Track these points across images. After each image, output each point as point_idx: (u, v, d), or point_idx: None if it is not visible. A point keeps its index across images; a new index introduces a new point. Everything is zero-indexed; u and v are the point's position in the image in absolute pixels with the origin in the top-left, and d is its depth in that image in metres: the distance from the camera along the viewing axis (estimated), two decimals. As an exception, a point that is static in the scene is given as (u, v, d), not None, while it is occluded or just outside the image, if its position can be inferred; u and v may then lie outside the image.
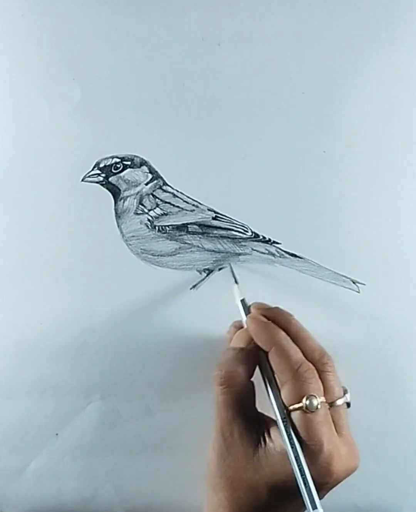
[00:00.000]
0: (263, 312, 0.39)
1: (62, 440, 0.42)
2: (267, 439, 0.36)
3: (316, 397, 0.35)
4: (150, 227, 0.43)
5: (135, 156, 0.43)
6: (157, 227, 0.43)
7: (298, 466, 0.34)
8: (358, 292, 0.43)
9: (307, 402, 0.35)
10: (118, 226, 0.43)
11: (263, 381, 0.37)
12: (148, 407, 0.42)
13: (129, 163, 0.43)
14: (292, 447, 0.35)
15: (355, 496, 0.42)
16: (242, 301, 0.40)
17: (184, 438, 0.41)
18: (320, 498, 0.35)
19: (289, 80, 0.44)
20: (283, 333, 0.37)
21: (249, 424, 0.37)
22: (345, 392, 0.38)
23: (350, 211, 0.44)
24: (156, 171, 0.43)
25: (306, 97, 0.44)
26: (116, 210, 0.43)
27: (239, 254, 0.43)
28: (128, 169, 0.43)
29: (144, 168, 0.43)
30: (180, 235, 0.43)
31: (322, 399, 0.35)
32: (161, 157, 0.43)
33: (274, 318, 0.38)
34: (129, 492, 0.42)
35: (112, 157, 0.43)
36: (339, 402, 0.37)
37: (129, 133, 0.43)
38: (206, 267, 0.43)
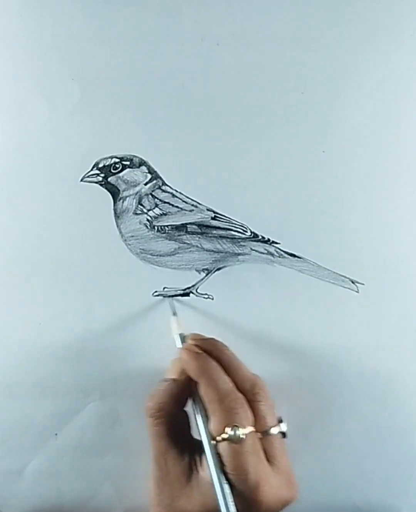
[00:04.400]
0: (198, 342, 0.39)
1: (61, 440, 0.42)
2: (199, 468, 0.36)
3: (240, 427, 0.35)
4: (149, 227, 0.43)
5: (134, 156, 0.43)
6: (156, 227, 0.43)
7: (222, 496, 0.34)
8: (357, 292, 0.43)
9: (232, 432, 0.34)
10: (117, 226, 0.43)
11: (193, 412, 0.37)
12: (148, 407, 0.42)
13: (128, 163, 0.43)
14: (216, 477, 0.34)
15: (355, 496, 0.42)
16: (180, 334, 0.40)
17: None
18: None
19: (289, 80, 0.44)
20: (213, 363, 0.37)
21: (182, 453, 0.37)
22: (280, 421, 0.37)
23: (350, 211, 0.44)
24: (155, 171, 0.43)
25: (306, 97, 0.44)
26: (115, 210, 0.43)
27: (238, 254, 0.43)
28: (127, 169, 0.43)
29: (143, 168, 0.43)
30: (179, 235, 0.43)
31: (250, 428, 0.35)
32: (160, 157, 0.43)
33: (208, 348, 0.38)
34: (129, 492, 0.42)
35: (111, 157, 0.43)
36: (273, 431, 0.36)
37: (128, 133, 0.43)
38: (205, 267, 0.43)
